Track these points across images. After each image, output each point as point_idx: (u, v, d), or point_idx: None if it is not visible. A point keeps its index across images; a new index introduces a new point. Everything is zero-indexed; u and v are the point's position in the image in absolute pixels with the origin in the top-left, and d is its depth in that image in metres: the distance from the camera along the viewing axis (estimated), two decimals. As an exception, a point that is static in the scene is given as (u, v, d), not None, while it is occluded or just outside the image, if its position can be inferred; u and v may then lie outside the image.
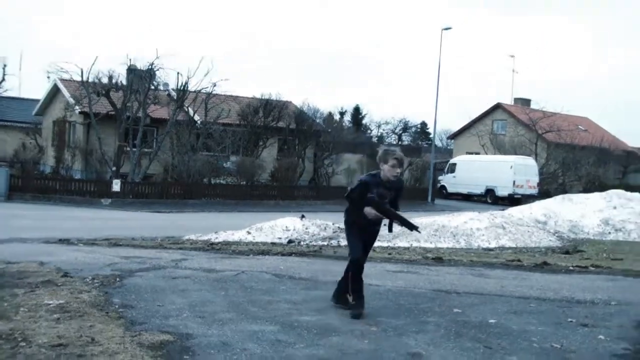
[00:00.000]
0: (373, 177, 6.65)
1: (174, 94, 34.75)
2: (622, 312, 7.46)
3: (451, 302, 7.70)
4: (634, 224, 18.29)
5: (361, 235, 6.80)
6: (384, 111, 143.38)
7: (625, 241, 16.75)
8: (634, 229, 18.03)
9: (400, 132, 57.48)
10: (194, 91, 33.54)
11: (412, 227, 6.55)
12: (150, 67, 32.45)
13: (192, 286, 8.10)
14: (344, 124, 66.30)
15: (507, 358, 5.49)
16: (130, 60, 33.05)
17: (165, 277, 8.68)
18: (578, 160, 44.97)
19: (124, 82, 32.89)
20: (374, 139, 56.98)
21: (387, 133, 58.89)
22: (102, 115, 32.30)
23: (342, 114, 68.36)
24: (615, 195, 20.67)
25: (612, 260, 12.60)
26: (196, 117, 34.94)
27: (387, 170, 6.58)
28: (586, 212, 19.18)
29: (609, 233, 17.85)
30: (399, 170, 6.63)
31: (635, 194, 21.09)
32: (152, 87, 33.19)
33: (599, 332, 6.50)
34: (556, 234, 17.25)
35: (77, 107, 33.68)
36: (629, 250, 14.51)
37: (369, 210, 6.53)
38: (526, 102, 54.24)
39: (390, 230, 6.79)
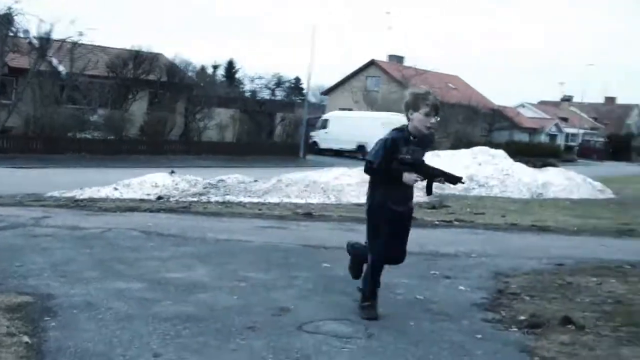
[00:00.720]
0: (400, 133, 5.35)
1: (35, 42, 32.93)
2: (481, 264, 7.82)
3: (320, 257, 7.79)
4: (496, 179, 19.14)
5: (391, 227, 5.53)
6: (258, 66, 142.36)
7: (488, 196, 17.50)
8: (496, 184, 18.86)
9: (274, 87, 57.27)
10: (59, 40, 31.92)
11: (456, 180, 5.55)
12: (8, 11, 30.51)
13: (54, 245, 7.77)
14: (217, 77, 65.20)
15: (373, 310, 5.58)
16: (-16, 3, 31.00)
17: (25, 236, 8.28)
18: (447, 118, 46.43)
19: (-22, 27, 30.83)
20: (247, 94, 56.24)
21: (260, 88, 58.50)
22: (-47, 62, 30.15)
23: (215, 67, 67.11)
24: (481, 152, 21.49)
25: (474, 214, 13.17)
26: (61, 68, 33.30)
27: (418, 120, 5.28)
28: (453, 169, 19.81)
29: (473, 188, 18.56)
30: (433, 120, 5.31)
31: (499, 151, 22.04)
32: (11, 34, 31.30)
33: (460, 283, 6.78)
34: (424, 190, 17.74)
35: None
36: (491, 205, 15.21)
37: (409, 177, 5.27)
38: (400, 59, 55.18)
39: (429, 193, 5.77)
